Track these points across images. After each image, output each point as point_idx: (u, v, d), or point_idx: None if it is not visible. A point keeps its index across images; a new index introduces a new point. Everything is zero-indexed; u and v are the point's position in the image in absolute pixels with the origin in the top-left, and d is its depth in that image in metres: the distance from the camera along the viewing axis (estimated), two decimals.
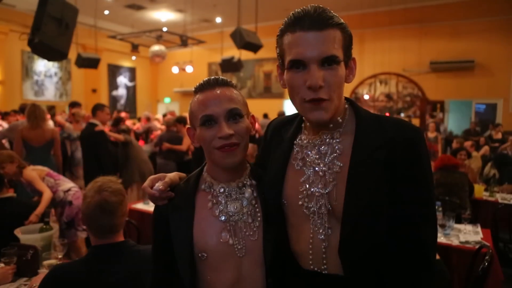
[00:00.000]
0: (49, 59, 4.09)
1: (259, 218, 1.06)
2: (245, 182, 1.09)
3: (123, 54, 14.80)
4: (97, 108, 4.54)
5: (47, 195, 2.96)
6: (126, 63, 15.57)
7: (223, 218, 1.04)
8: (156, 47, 9.74)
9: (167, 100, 16.48)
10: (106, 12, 12.08)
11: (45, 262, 1.91)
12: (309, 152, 1.02)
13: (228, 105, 1.02)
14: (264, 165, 1.15)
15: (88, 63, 9.09)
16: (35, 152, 4.14)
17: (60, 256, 1.97)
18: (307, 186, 1.00)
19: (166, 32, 11.00)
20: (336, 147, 0.99)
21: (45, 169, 3.34)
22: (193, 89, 1.09)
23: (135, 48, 11.45)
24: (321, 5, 0.94)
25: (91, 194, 1.47)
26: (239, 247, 1.03)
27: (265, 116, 10.53)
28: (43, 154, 4.19)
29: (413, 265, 0.94)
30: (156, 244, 1.11)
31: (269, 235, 1.04)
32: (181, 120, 5.65)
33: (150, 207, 3.47)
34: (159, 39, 11.22)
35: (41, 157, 4.09)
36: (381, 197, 0.93)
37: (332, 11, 0.95)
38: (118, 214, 1.46)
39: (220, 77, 1.07)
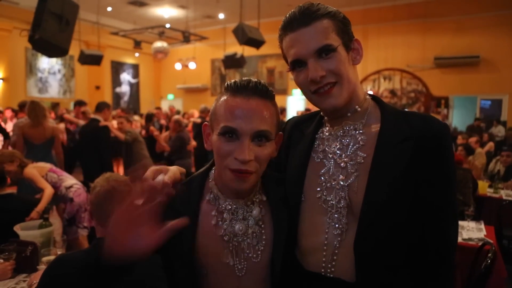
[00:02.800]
0: (49, 56, 4.08)
1: (263, 242, 0.99)
2: (254, 199, 1.00)
3: (126, 51, 14.80)
4: (105, 106, 4.55)
5: (48, 191, 2.96)
6: (129, 60, 15.58)
7: (226, 238, 0.96)
8: (159, 44, 9.73)
9: (170, 96, 16.49)
10: (109, 8, 12.07)
11: (44, 259, 1.91)
12: (331, 144, 1.01)
13: (258, 125, 0.90)
14: (280, 163, 1.12)
15: (91, 60, 9.09)
16: (35, 150, 4.15)
17: (59, 253, 1.97)
18: (327, 178, 0.98)
19: (169, 28, 10.96)
20: (359, 138, 0.98)
21: (48, 165, 3.34)
22: (226, 84, 0.97)
23: (137, 44, 11.44)
24: (308, 2, 0.96)
25: (100, 184, 1.49)
26: (239, 267, 0.97)
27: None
28: (43, 151, 4.20)
29: (438, 264, 0.94)
30: None
31: (277, 255, 0.98)
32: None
33: None
34: (161, 35, 11.19)
35: (41, 154, 4.09)
36: (404, 190, 0.91)
37: (319, 3, 0.96)
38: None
39: (261, 82, 0.94)
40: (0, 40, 11.23)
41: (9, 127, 6.36)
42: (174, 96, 16.42)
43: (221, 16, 13.18)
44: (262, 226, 0.99)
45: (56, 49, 3.82)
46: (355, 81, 0.97)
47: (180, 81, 15.80)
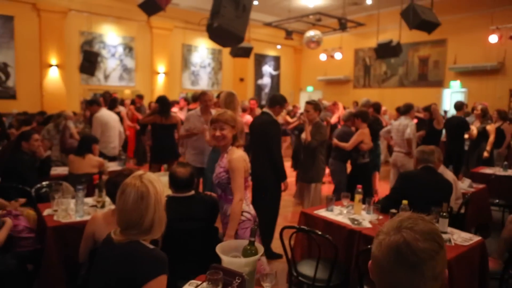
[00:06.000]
0: (224, 45, 3.90)
1: None
2: None
3: (269, 43, 14.93)
4: (278, 102, 3.85)
5: (236, 203, 2.34)
6: (271, 52, 15.68)
7: None
8: (312, 33, 9.22)
9: (309, 88, 16.09)
10: (256, 2, 12.12)
11: None
12: None
13: None
14: None
15: (242, 52, 9.19)
16: None
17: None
18: None
19: (325, 15, 10.22)
20: None
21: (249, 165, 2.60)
22: None
23: (289, 34, 11.18)
24: None
25: (387, 230, 0.93)
26: None
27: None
28: None
29: None
30: None
31: None
32: (359, 115, 4.90)
33: (334, 215, 2.91)
34: (318, 22, 10.50)
35: None
36: None
37: None
38: (427, 274, 0.86)
39: None
40: (164, 38, 12.39)
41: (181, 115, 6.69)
42: (313, 88, 15.96)
43: (369, 1, 12.03)
44: None
45: (232, 37, 3.57)
46: None
47: (320, 72, 15.23)
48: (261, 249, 1.65)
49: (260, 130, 3.78)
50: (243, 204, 2.38)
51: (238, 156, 2.36)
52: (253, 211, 2.47)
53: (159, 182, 1.47)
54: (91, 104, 5.68)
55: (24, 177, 3.49)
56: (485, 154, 6.26)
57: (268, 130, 3.71)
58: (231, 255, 1.71)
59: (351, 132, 4.94)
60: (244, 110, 6.73)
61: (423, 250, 0.86)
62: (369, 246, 2.26)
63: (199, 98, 4.52)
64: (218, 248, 1.66)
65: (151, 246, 1.39)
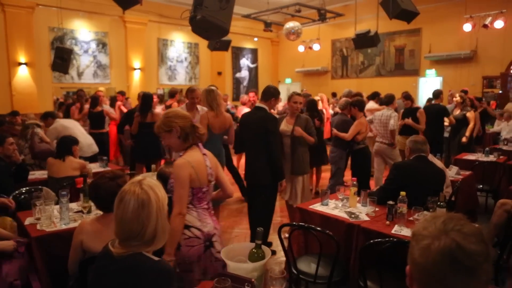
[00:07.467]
0: (208, 38, 3.76)
1: None
2: None
3: (246, 36, 14.78)
4: (273, 95, 3.66)
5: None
6: (248, 45, 15.53)
7: None
8: (291, 24, 9.11)
9: (288, 80, 16.06)
10: None
11: None
12: None
13: None
14: None
15: (221, 45, 8.99)
16: (214, 138, 3.93)
17: None
18: None
19: (303, 5, 10.08)
20: None
21: None
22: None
23: (268, 26, 11.00)
24: None
25: (431, 234, 0.83)
26: None
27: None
28: (219, 141, 4.09)
29: None
30: None
31: None
32: (356, 104, 4.95)
33: (330, 209, 2.86)
34: (297, 13, 10.28)
35: (218, 144, 4.02)
36: None
37: None
38: (483, 278, 0.79)
39: None
40: (138, 33, 12.02)
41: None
42: (291, 80, 15.94)
43: None
44: None
45: (217, 29, 3.44)
46: None
47: (298, 64, 15.21)
48: (268, 252, 1.57)
49: (257, 127, 3.55)
50: (194, 219, 2.10)
51: (183, 163, 2.06)
52: (208, 228, 2.12)
53: (160, 188, 1.36)
54: (46, 118, 5.47)
55: (0, 184, 3.27)
56: (464, 139, 6.39)
57: (267, 127, 3.49)
58: (235, 259, 1.63)
59: (349, 121, 5.01)
60: (243, 104, 6.68)
61: (478, 253, 0.80)
62: (371, 241, 2.23)
63: (187, 94, 4.44)
64: (223, 253, 1.56)
65: (156, 258, 1.28)
